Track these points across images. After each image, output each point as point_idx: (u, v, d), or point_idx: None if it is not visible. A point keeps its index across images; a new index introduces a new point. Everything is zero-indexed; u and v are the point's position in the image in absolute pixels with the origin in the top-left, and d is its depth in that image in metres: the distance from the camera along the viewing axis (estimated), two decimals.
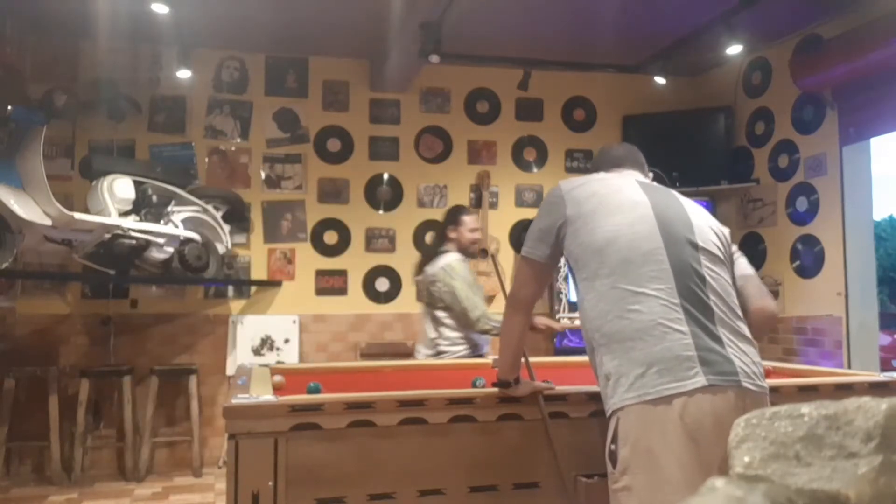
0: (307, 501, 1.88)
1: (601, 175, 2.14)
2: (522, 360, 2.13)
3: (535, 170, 6.16)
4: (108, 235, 4.54)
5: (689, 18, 4.94)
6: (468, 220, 3.82)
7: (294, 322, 5.60)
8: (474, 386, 2.37)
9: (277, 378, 2.45)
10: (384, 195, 5.90)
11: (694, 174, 5.70)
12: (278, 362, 4.27)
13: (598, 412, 1.96)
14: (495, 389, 2.08)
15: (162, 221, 4.88)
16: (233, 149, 5.67)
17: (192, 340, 5.48)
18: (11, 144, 4.13)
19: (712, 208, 5.94)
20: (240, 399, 1.91)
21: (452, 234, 3.80)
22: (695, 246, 1.91)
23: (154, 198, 4.85)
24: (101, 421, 5.24)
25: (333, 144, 5.83)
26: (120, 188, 4.70)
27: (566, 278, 5.59)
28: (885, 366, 5.84)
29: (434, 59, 4.60)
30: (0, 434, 4.80)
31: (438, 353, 3.68)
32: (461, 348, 3.64)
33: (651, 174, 2.25)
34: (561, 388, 2.14)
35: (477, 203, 5.99)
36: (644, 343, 1.78)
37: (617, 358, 1.82)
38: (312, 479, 1.88)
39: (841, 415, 0.61)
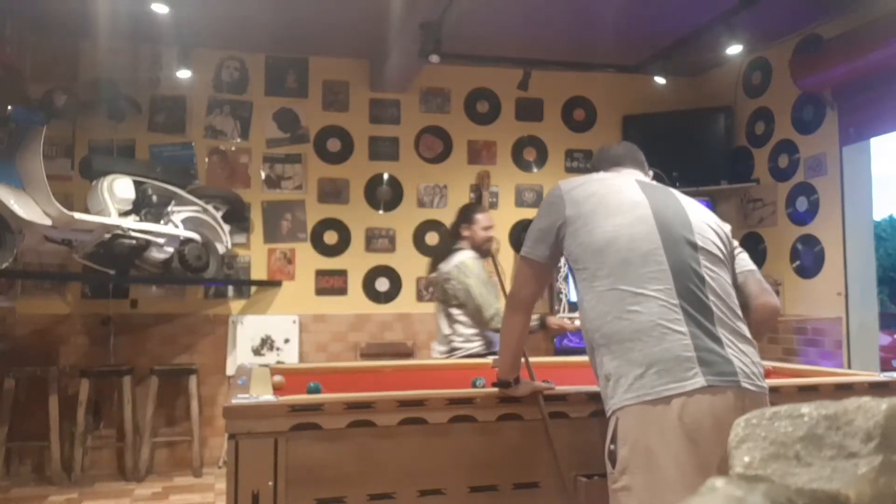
0: (307, 501, 1.88)
1: (600, 175, 2.14)
2: (522, 360, 2.12)
3: (535, 170, 6.16)
4: (108, 235, 4.54)
5: (689, 18, 4.94)
6: (481, 219, 3.86)
7: (294, 322, 5.60)
8: (474, 386, 2.37)
9: (277, 378, 2.45)
10: (384, 195, 5.90)
11: (694, 174, 5.70)
12: (278, 362, 4.27)
13: (598, 412, 1.96)
14: (495, 389, 2.08)
15: (162, 221, 4.88)
16: (233, 149, 5.67)
17: (192, 340, 5.48)
18: (11, 144, 4.13)
19: (712, 208, 5.92)
20: (240, 399, 1.91)
21: (466, 233, 3.83)
22: (694, 246, 1.91)
23: (154, 198, 4.85)
24: (101, 421, 5.24)
25: (333, 144, 5.83)
26: (120, 188, 4.70)
27: (566, 278, 5.59)
28: (885, 366, 5.84)
29: (434, 59, 4.60)
30: (0, 434, 4.80)
31: (452, 350, 3.71)
32: (475, 345, 3.65)
33: (651, 172, 2.25)
34: (561, 388, 2.14)
35: (477, 203, 5.98)
36: (643, 344, 1.78)
37: (617, 359, 1.82)
38: (312, 479, 1.88)
39: (841, 415, 0.61)
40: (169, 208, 4.94)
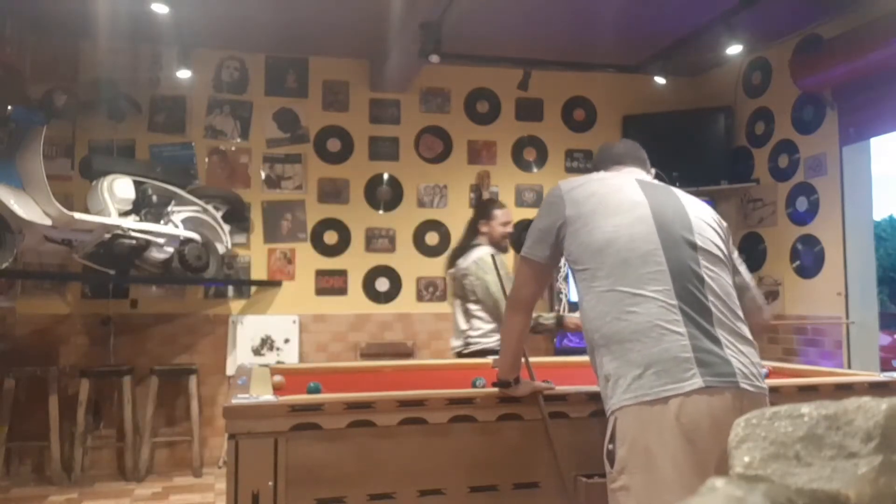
0: (307, 501, 1.88)
1: (601, 175, 2.14)
2: (522, 360, 2.12)
3: (535, 170, 6.16)
4: (108, 235, 4.54)
5: (689, 18, 4.94)
6: (500, 214, 3.89)
7: (294, 322, 5.60)
8: (474, 386, 2.37)
9: (277, 378, 2.45)
10: (384, 195, 5.90)
11: (694, 174, 5.69)
12: (278, 362, 4.27)
13: (598, 412, 1.96)
14: (495, 389, 2.08)
15: (162, 221, 4.88)
16: (233, 149, 5.67)
17: (192, 340, 5.48)
18: (11, 144, 4.13)
19: (712, 208, 5.93)
20: (240, 399, 1.91)
21: (484, 228, 3.87)
22: (693, 246, 1.91)
23: (154, 198, 4.85)
24: (101, 421, 5.24)
25: (333, 144, 5.83)
26: (120, 188, 4.70)
27: (566, 278, 5.59)
28: (885, 366, 5.84)
29: (434, 59, 4.60)
30: (0, 434, 4.80)
31: (468, 345, 3.74)
32: (492, 340, 3.67)
33: (654, 171, 2.25)
34: (561, 388, 2.14)
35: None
36: (641, 344, 1.78)
37: (616, 359, 1.82)
38: (312, 479, 1.88)
39: (841, 415, 0.61)
40: (169, 208, 4.94)
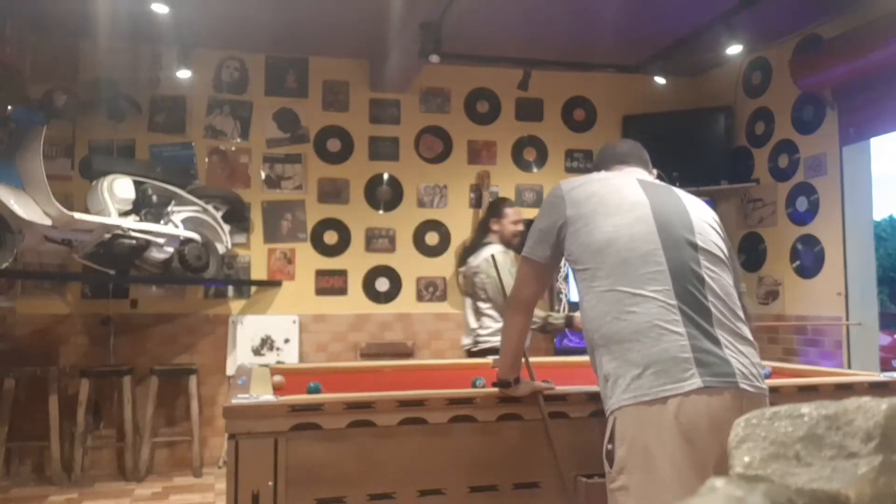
0: (307, 501, 1.88)
1: (602, 174, 2.14)
2: (522, 360, 2.12)
3: (535, 170, 6.16)
4: (108, 235, 4.54)
5: (689, 18, 4.94)
6: (511, 213, 3.93)
7: (294, 322, 5.60)
8: (474, 386, 2.37)
9: (277, 378, 2.45)
10: (384, 195, 5.90)
11: (694, 174, 5.69)
12: (278, 362, 4.27)
13: (598, 412, 1.96)
14: (495, 389, 2.08)
15: (162, 221, 4.88)
16: (233, 149, 5.67)
17: (192, 340, 5.48)
18: (11, 144, 4.13)
19: (712, 209, 5.93)
20: (240, 399, 1.91)
21: (495, 227, 3.91)
22: (694, 246, 1.91)
23: (154, 198, 4.85)
24: (101, 421, 5.24)
25: (333, 144, 5.83)
26: (120, 188, 4.70)
27: (566, 278, 5.59)
28: (885, 366, 5.84)
29: (434, 59, 4.60)
30: (0, 434, 4.80)
31: (477, 343, 3.76)
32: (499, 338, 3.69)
33: (655, 171, 2.25)
34: (561, 388, 2.14)
35: (477, 203, 5.99)
36: (641, 345, 1.78)
37: (615, 359, 1.82)
38: (312, 479, 1.88)
39: (841, 415, 0.61)
40: (169, 208, 4.94)
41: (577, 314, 3.90)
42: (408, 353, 5.68)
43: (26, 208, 4.09)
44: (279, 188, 5.73)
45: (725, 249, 2.01)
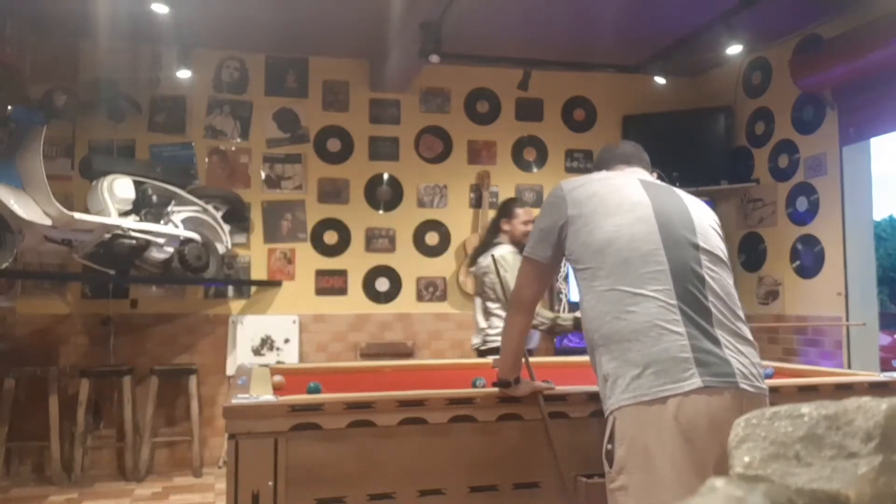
0: (307, 501, 1.88)
1: (603, 174, 2.14)
2: (523, 360, 2.12)
3: (535, 170, 6.16)
4: (108, 235, 4.54)
5: (689, 18, 4.94)
6: (521, 213, 3.96)
7: (294, 322, 5.60)
8: (474, 386, 2.37)
9: (277, 378, 2.45)
10: (384, 195, 5.90)
11: (694, 174, 5.69)
12: (278, 362, 4.27)
13: (597, 412, 1.96)
14: (495, 389, 2.08)
15: (162, 221, 4.88)
16: (233, 149, 5.67)
17: (192, 340, 5.48)
18: (11, 144, 4.13)
19: (712, 208, 5.92)
20: (240, 399, 1.91)
21: (506, 227, 3.93)
22: (695, 247, 1.91)
23: (154, 198, 4.85)
24: (101, 421, 5.24)
25: (333, 144, 5.83)
26: (120, 188, 4.70)
27: (566, 278, 5.59)
28: (885, 366, 5.84)
29: (434, 59, 4.60)
30: (0, 434, 4.80)
31: (486, 342, 3.78)
32: None
33: (655, 173, 2.25)
34: (561, 388, 2.14)
35: (477, 203, 5.99)
36: (641, 344, 1.78)
37: (615, 359, 1.82)
38: (312, 479, 1.88)
39: (841, 415, 0.61)
40: (169, 208, 4.94)
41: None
42: (408, 353, 5.68)
43: (26, 208, 4.09)
44: (279, 188, 5.73)
45: (726, 250, 2.01)
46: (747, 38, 4.91)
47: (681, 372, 1.74)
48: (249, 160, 5.70)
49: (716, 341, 1.80)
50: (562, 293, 5.79)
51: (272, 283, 5.64)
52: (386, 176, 5.91)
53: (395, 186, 5.91)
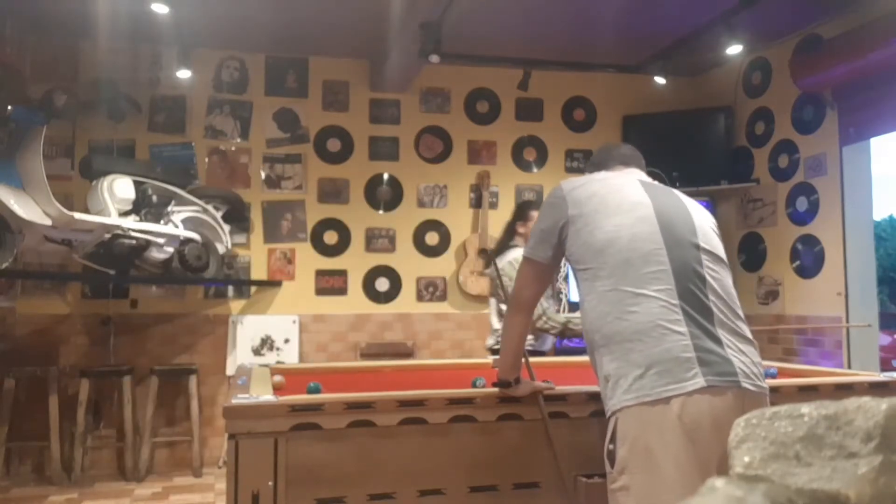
0: (307, 501, 1.88)
1: (603, 174, 2.14)
2: (523, 360, 2.12)
3: (535, 170, 6.16)
4: (108, 235, 4.54)
5: (689, 18, 4.94)
6: (536, 216, 3.93)
7: (294, 322, 5.60)
8: (474, 386, 2.37)
9: (277, 378, 2.45)
10: (384, 195, 5.90)
11: (694, 174, 5.70)
12: (278, 362, 4.27)
13: (598, 412, 1.96)
14: (495, 389, 2.08)
15: (162, 221, 4.88)
16: (233, 149, 5.67)
17: (192, 340, 5.48)
18: (11, 144, 4.13)
19: (712, 208, 5.94)
20: (240, 399, 1.91)
21: (521, 230, 3.95)
22: (696, 247, 1.91)
23: (154, 198, 4.85)
24: (101, 421, 5.24)
25: (333, 144, 5.83)
26: (120, 188, 4.71)
27: (566, 278, 5.59)
28: (885, 366, 5.84)
29: (434, 59, 4.60)
30: (0, 434, 4.80)
31: (499, 343, 3.79)
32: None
33: (650, 176, 2.25)
34: (561, 388, 2.14)
35: (477, 203, 5.99)
36: (643, 344, 1.78)
37: (616, 359, 1.82)
38: (312, 479, 1.88)
39: (841, 415, 0.61)
40: (169, 208, 4.94)
41: None
42: (408, 353, 5.68)
43: (26, 208, 4.09)
44: (279, 188, 5.73)
45: (724, 251, 2.02)
46: (747, 38, 4.91)
47: (684, 372, 1.74)
48: (249, 160, 5.70)
49: (718, 341, 1.80)
50: (562, 293, 5.79)
51: (272, 283, 5.64)
52: (386, 176, 5.91)
53: (395, 186, 5.91)
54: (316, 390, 2.19)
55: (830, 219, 5.08)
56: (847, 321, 4.89)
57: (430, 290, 5.91)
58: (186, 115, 5.58)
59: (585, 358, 2.07)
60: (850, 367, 4.77)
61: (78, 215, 4.35)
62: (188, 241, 4.94)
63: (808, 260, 5.24)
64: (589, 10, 4.94)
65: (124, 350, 5.33)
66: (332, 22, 5.08)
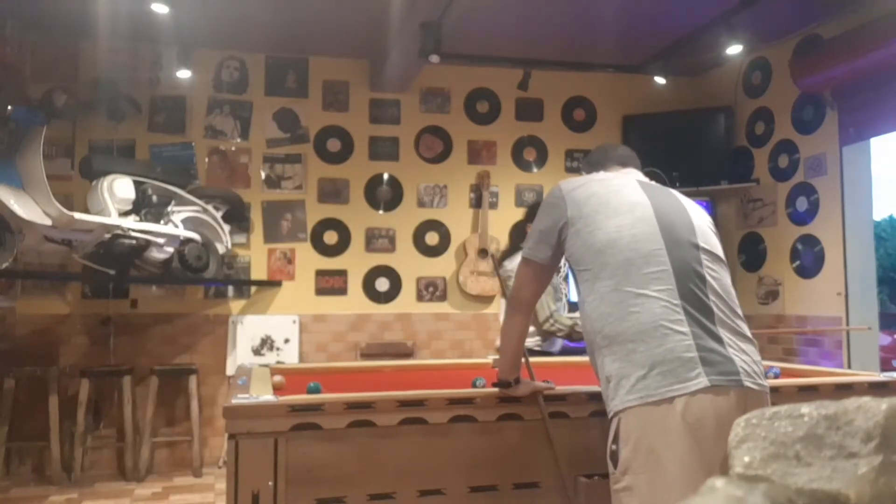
0: (307, 501, 1.88)
1: (601, 175, 2.14)
2: (522, 360, 2.12)
3: (535, 170, 6.16)
4: (108, 235, 4.54)
5: (689, 18, 4.94)
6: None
7: (294, 322, 5.60)
8: (474, 386, 2.37)
9: (277, 378, 2.45)
10: (384, 195, 5.90)
11: (694, 174, 5.70)
12: (278, 362, 4.27)
13: (598, 412, 1.96)
14: (495, 389, 2.08)
15: (162, 221, 4.88)
16: (233, 149, 5.67)
17: (192, 340, 5.48)
18: (11, 144, 4.13)
19: (712, 208, 5.94)
20: (240, 399, 1.91)
21: None
22: (696, 247, 1.92)
23: (154, 198, 4.85)
24: (101, 421, 5.23)
25: (333, 144, 5.83)
26: (120, 188, 4.71)
27: (566, 278, 5.59)
28: (885, 366, 5.84)
29: (434, 59, 4.60)
30: (0, 434, 4.80)
31: None
32: (532, 341, 3.69)
33: (648, 176, 2.25)
34: (561, 388, 2.14)
35: (477, 203, 5.99)
36: (645, 345, 1.78)
37: (619, 360, 1.82)
38: (312, 479, 1.88)
39: (841, 415, 0.61)
40: (169, 208, 4.94)
41: None
42: (408, 353, 5.68)
43: (26, 208, 4.09)
44: (279, 188, 5.73)
45: (723, 251, 2.02)
46: (747, 38, 4.91)
47: (687, 372, 1.74)
48: (249, 160, 5.70)
49: (719, 340, 1.81)
50: (562, 293, 5.78)
51: (272, 283, 5.64)
52: (386, 176, 5.91)
53: (395, 186, 5.91)
54: (316, 390, 2.19)
55: (830, 219, 5.08)
56: (847, 321, 4.89)
57: (430, 290, 5.91)
58: (186, 115, 5.58)
59: (585, 358, 2.07)
60: (850, 367, 4.77)
61: (78, 215, 4.35)
62: (188, 241, 4.94)
63: (808, 260, 5.24)
64: (589, 10, 4.94)
65: (124, 350, 5.32)
66: (332, 22, 5.08)
